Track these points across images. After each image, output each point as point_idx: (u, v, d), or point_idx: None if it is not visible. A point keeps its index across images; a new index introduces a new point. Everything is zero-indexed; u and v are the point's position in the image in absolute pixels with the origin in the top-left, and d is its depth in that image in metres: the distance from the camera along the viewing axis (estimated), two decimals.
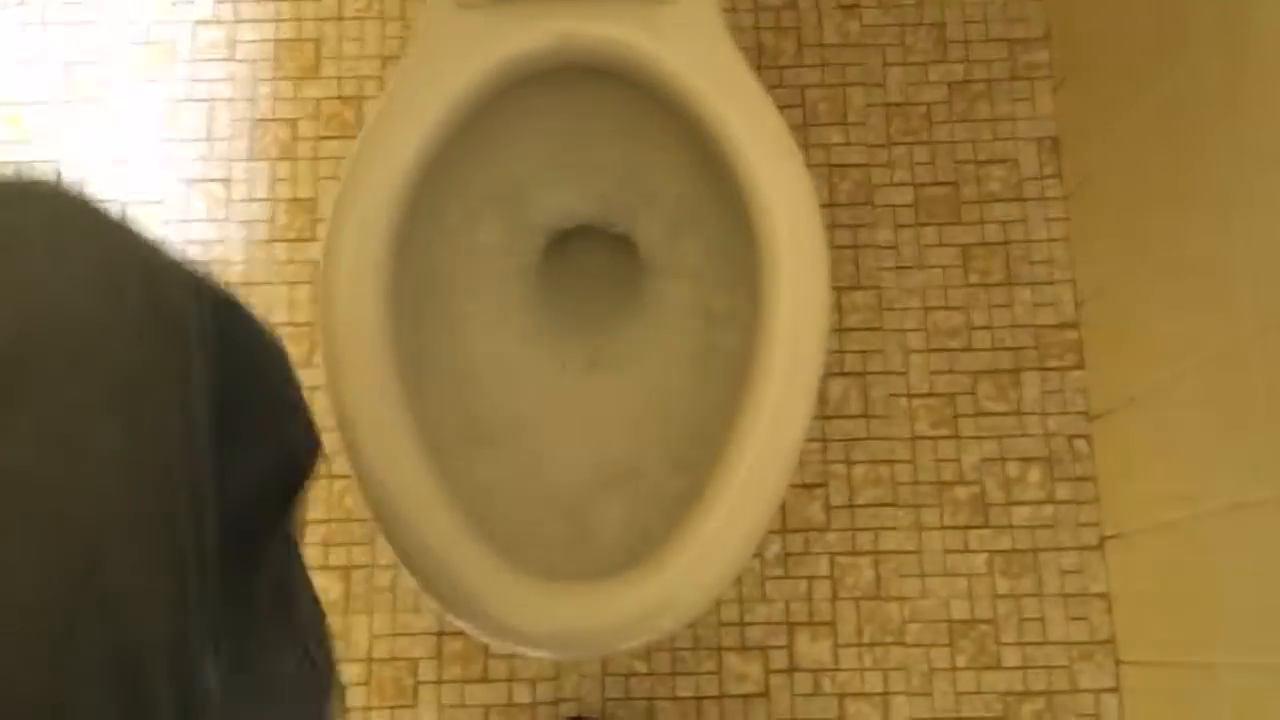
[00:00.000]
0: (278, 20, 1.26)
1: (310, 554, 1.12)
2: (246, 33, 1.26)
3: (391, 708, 1.10)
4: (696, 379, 0.94)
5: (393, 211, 0.82)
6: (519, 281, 0.94)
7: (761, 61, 1.25)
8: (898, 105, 1.24)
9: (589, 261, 0.98)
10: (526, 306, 0.94)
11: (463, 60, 0.85)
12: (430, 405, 0.83)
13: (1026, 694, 1.10)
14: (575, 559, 0.87)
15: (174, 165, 1.22)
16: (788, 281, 0.81)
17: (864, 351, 1.18)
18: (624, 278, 0.96)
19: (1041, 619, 1.11)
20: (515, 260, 0.94)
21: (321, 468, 1.15)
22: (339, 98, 1.24)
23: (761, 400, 0.80)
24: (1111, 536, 1.12)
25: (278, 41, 1.26)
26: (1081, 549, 1.13)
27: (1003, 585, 1.12)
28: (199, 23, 1.26)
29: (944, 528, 1.14)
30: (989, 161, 1.22)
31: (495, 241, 0.93)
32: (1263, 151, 0.84)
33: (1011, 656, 1.11)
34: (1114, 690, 1.09)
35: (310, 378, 1.17)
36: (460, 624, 0.78)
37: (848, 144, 1.23)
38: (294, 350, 1.15)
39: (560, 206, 0.94)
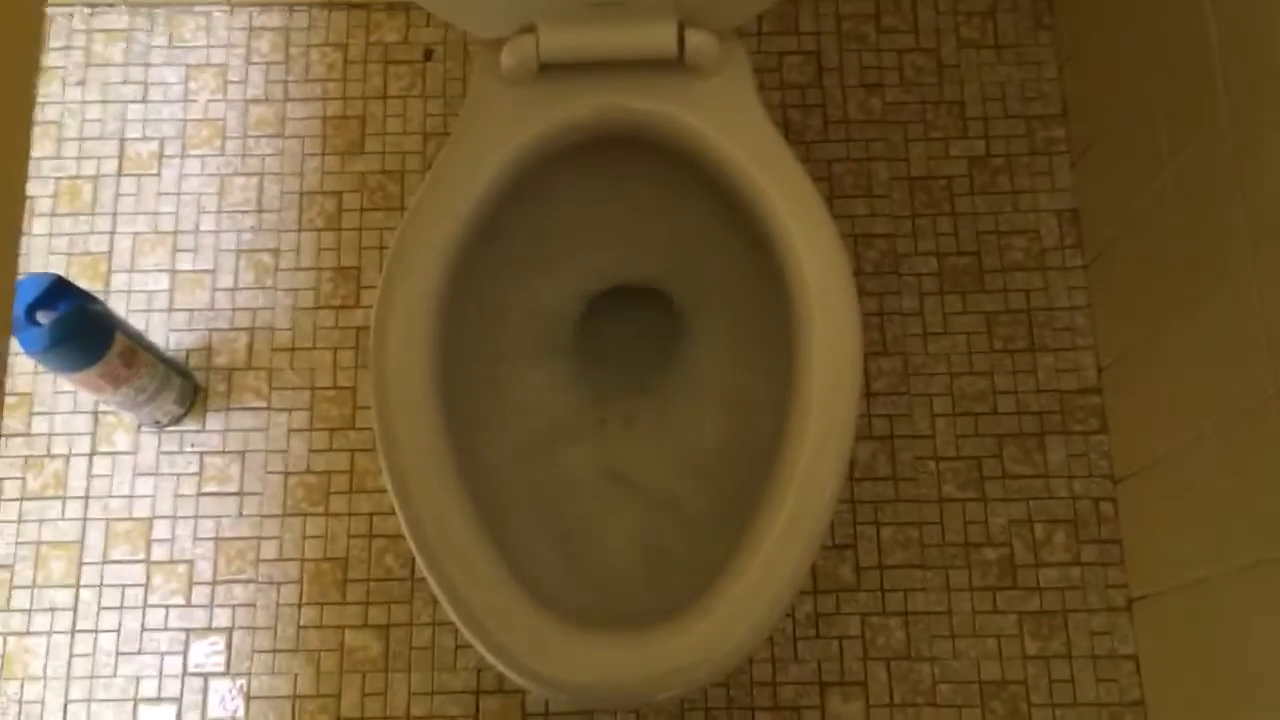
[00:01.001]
0: (325, 99, 1.32)
1: (350, 613, 1.15)
2: (296, 110, 1.32)
3: None
4: (729, 440, 0.97)
5: (441, 273, 0.86)
6: (561, 340, 0.97)
7: (789, 136, 1.29)
8: (921, 179, 1.29)
9: (627, 322, 1.02)
10: (567, 365, 0.97)
11: (509, 131, 0.89)
12: (476, 460, 0.86)
13: None
14: (607, 609, 0.89)
15: (225, 236, 1.27)
16: (821, 345, 0.84)
17: (891, 416, 1.21)
18: (660, 338, 0.99)
19: (1072, 680, 1.13)
20: (557, 319, 0.97)
21: (362, 527, 1.18)
22: (383, 172, 1.30)
23: (794, 463, 0.82)
24: (1139, 598, 1.13)
25: (325, 119, 1.31)
26: (1110, 610, 1.14)
27: (1032, 646, 1.14)
28: (251, 101, 1.32)
29: (973, 589, 1.15)
30: (1011, 232, 1.26)
31: (538, 302, 0.97)
32: (1275, 218, 0.88)
33: (1043, 718, 1.12)
34: None
35: (352, 440, 1.22)
36: (507, 673, 0.80)
37: (873, 215, 1.27)
38: (336, 413, 1.20)
39: (600, 269, 0.98)
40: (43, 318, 1.00)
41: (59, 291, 1.01)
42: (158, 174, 1.30)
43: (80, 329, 1.02)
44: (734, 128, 0.89)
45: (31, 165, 1.29)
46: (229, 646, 1.15)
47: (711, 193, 0.91)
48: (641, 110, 0.90)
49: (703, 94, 0.90)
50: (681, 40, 0.88)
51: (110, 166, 1.30)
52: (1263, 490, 0.90)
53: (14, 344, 1.00)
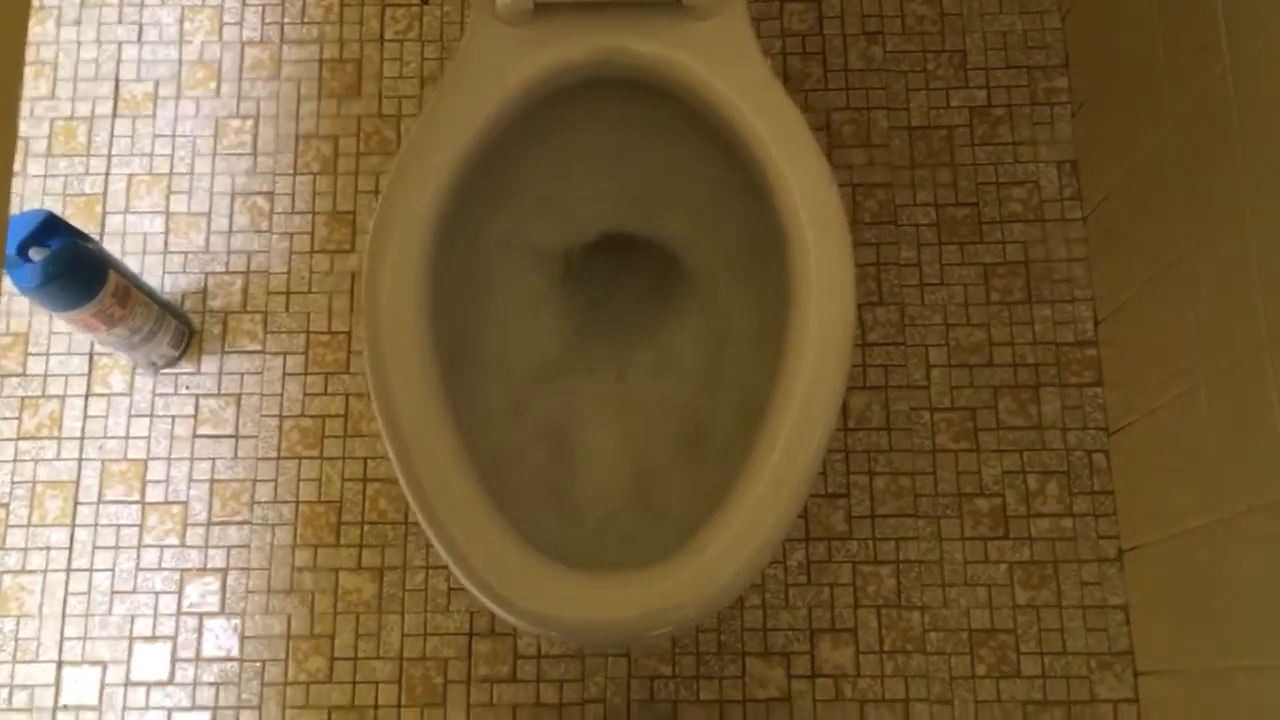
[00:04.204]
0: (322, 41, 1.31)
1: (344, 556, 1.15)
2: (292, 53, 1.31)
3: (422, 706, 1.12)
4: (722, 385, 0.97)
5: (433, 215, 0.86)
6: (555, 284, 0.97)
7: (789, 85, 1.29)
8: (920, 129, 1.28)
9: (621, 267, 1.01)
10: (561, 309, 0.97)
11: (504, 71, 0.89)
12: (468, 402, 0.86)
13: (1046, 703, 1.11)
14: (598, 548, 0.90)
15: (220, 178, 1.27)
16: (815, 290, 0.84)
17: (886, 366, 1.21)
18: (655, 282, 0.99)
19: (1061, 630, 1.13)
20: (550, 262, 0.97)
21: (357, 471, 1.18)
22: (379, 115, 1.29)
23: (787, 408, 0.82)
24: (1130, 549, 1.13)
25: (321, 62, 1.30)
26: (1100, 561, 1.14)
27: (1023, 596, 1.14)
28: (247, 43, 1.31)
29: (965, 538, 1.16)
30: (1010, 183, 1.25)
31: (533, 245, 0.96)
32: (1273, 169, 0.87)
33: (1031, 666, 1.12)
34: (1133, 701, 1.11)
35: (347, 384, 1.21)
36: (498, 612, 0.81)
37: (872, 164, 1.27)
38: (332, 358, 1.19)
39: (595, 212, 0.98)
40: (35, 254, 1.00)
41: (51, 228, 1.01)
42: (153, 115, 1.29)
43: (73, 266, 1.02)
44: (730, 70, 0.88)
45: (26, 106, 1.29)
46: (223, 587, 1.15)
47: (706, 135, 0.90)
48: (637, 52, 0.89)
49: (699, 36, 0.89)
50: None
51: (105, 108, 1.29)
52: (1256, 436, 0.90)
53: (7, 282, 1.00)
